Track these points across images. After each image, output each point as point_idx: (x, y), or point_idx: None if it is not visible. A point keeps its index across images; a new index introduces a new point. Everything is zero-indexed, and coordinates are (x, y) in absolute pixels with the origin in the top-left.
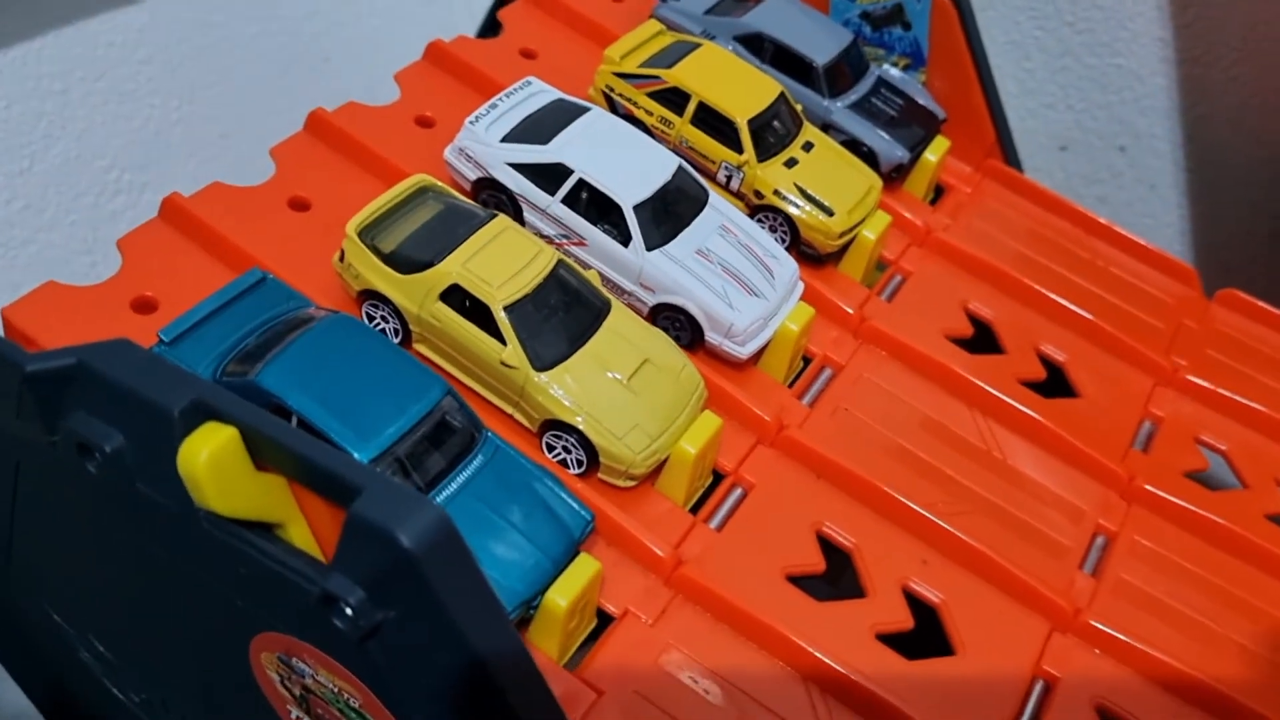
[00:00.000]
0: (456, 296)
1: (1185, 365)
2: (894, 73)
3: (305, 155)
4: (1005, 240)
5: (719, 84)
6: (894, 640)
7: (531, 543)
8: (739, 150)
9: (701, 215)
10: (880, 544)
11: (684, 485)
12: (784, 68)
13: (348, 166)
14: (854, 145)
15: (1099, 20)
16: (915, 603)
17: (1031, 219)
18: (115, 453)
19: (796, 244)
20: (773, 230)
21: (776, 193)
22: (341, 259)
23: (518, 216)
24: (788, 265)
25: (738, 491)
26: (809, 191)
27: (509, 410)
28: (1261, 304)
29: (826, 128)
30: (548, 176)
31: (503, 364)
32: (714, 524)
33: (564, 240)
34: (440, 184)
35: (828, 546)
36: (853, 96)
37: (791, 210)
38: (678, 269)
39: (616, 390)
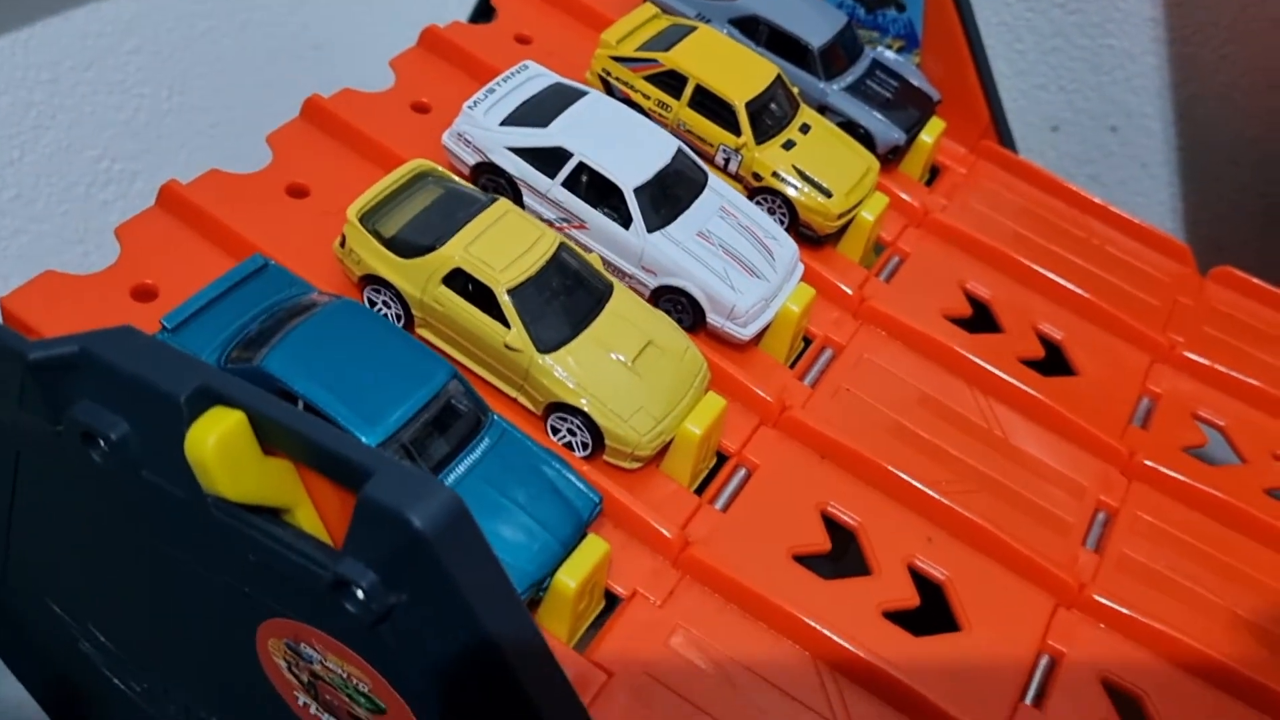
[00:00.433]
0: (459, 280)
1: (1182, 342)
2: (889, 55)
3: (302, 142)
4: (1001, 220)
5: (716, 67)
6: (900, 617)
7: (540, 525)
8: (737, 133)
9: (701, 197)
10: (885, 522)
11: (689, 467)
12: (779, 50)
13: (345, 153)
14: (850, 127)
15: (1090, 1)
16: (921, 580)
17: (1027, 199)
18: (121, 440)
19: (795, 225)
20: (771, 212)
21: (775, 175)
22: (343, 244)
23: (517, 200)
24: (788, 246)
25: (742, 472)
26: (807, 173)
27: (513, 394)
28: (1257, 281)
29: (822, 110)
30: (547, 160)
31: (507, 347)
32: (719, 505)
33: (564, 224)
34: (440, 168)
35: (832, 526)
36: (848, 79)
37: (790, 192)
38: (679, 251)
39: (621, 372)
